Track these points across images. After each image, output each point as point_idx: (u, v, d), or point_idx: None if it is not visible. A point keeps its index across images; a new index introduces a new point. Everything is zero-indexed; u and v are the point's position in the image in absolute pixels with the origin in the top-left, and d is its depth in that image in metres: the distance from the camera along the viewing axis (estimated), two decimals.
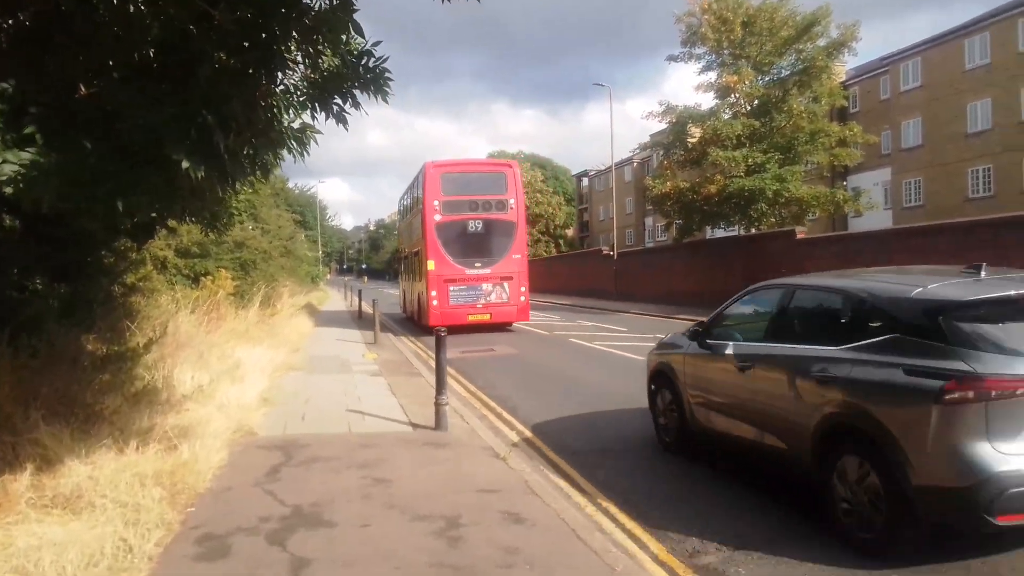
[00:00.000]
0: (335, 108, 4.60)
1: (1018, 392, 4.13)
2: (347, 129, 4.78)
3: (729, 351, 6.18)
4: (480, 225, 20.90)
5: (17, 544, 4.36)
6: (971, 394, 4.14)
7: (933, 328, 4.48)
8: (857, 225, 35.54)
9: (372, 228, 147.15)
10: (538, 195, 65.64)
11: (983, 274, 4.96)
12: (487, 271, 20.79)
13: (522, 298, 21.14)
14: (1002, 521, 4.09)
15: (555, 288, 45.10)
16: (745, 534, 5.13)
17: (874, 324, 4.91)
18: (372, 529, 5.10)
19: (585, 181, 75.64)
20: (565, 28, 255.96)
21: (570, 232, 71.63)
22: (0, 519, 4.78)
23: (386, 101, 4.58)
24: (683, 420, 7.13)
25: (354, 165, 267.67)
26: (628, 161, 60.95)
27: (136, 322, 11.56)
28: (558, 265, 50.73)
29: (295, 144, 4.49)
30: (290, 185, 51.34)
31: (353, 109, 4.71)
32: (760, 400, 5.84)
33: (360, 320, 25.87)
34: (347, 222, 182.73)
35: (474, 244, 20.83)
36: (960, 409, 4.17)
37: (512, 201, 21.24)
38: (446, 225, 20.66)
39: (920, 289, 4.83)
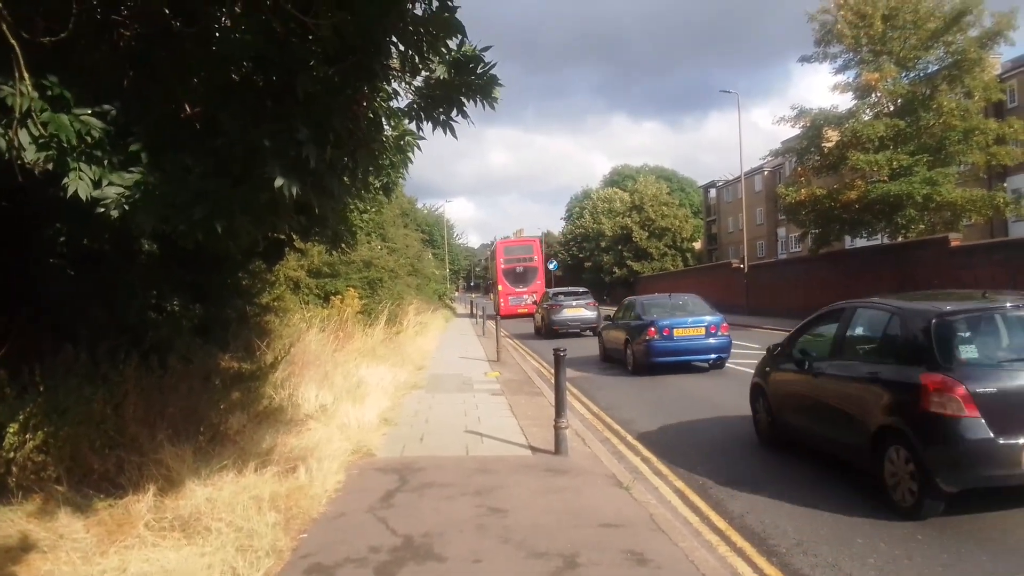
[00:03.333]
0: (441, 117, 4.35)
1: None
2: (456, 137, 4.53)
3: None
4: (521, 268, 41.53)
5: (130, 570, 4.33)
6: None
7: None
8: (1020, 231, 32.20)
9: None
10: (663, 208, 63.79)
11: None
12: (525, 289, 40.63)
13: None
14: None
15: None
16: None
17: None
18: (483, 566, 4.76)
19: (712, 192, 73.25)
20: (683, 37, 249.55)
21: (698, 245, 69.35)
22: (119, 541, 4.82)
23: (493, 108, 4.29)
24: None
25: (478, 184, 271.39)
26: (758, 170, 58.40)
27: (268, 341, 11.89)
28: (685, 280, 49.02)
29: (396, 153, 4.25)
30: (418, 205, 52.91)
31: (460, 118, 4.46)
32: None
33: (483, 337, 25.90)
34: (473, 240, 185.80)
35: (519, 277, 41.32)
36: None
37: (536, 257, 42.66)
38: (506, 269, 41.44)
39: None
